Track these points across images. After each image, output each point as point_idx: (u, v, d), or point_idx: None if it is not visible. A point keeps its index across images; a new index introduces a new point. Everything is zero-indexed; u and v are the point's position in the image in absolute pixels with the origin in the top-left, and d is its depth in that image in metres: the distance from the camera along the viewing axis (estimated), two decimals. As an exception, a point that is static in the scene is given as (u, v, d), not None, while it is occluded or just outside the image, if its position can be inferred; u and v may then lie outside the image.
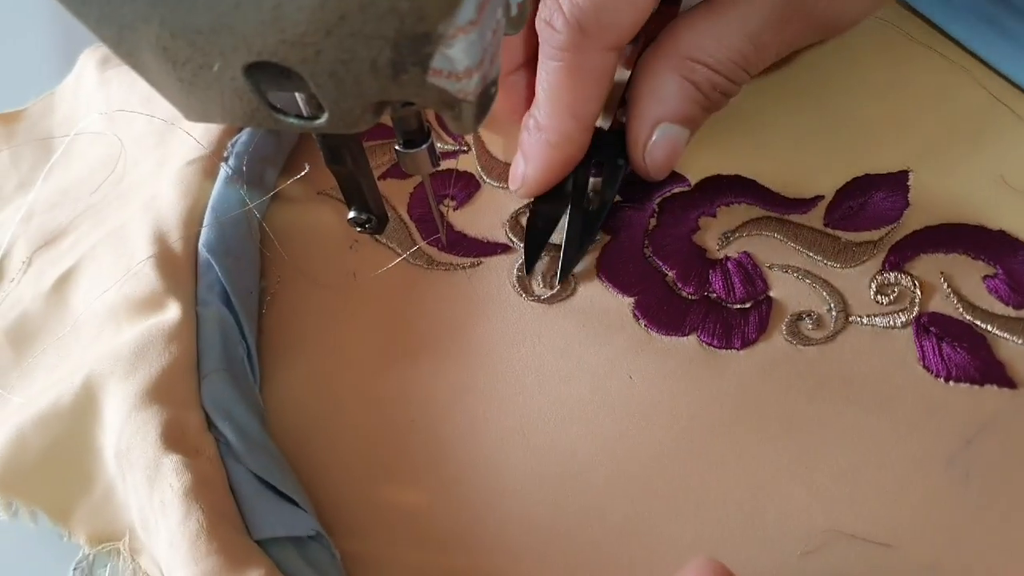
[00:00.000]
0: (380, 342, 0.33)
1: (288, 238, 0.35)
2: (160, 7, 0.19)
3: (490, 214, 0.35)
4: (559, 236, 0.33)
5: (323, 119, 0.22)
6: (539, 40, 0.30)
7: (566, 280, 0.33)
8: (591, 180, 0.33)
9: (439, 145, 0.37)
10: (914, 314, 0.30)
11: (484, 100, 0.22)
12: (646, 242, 0.33)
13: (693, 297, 0.32)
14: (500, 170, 0.36)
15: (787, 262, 0.32)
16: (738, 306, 0.31)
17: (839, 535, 0.27)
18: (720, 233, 0.33)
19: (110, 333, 0.32)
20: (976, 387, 0.29)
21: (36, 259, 0.36)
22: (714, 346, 0.31)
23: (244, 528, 0.27)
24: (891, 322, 0.30)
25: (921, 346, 0.30)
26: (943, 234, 0.32)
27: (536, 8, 0.30)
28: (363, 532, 0.29)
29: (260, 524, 0.27)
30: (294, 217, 0.36)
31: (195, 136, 0.35)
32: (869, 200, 0.33)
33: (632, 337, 0.31)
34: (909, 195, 0.33)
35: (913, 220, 0.32)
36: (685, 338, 0.31)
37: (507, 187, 0.35)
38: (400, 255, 0.34)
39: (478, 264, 0.34)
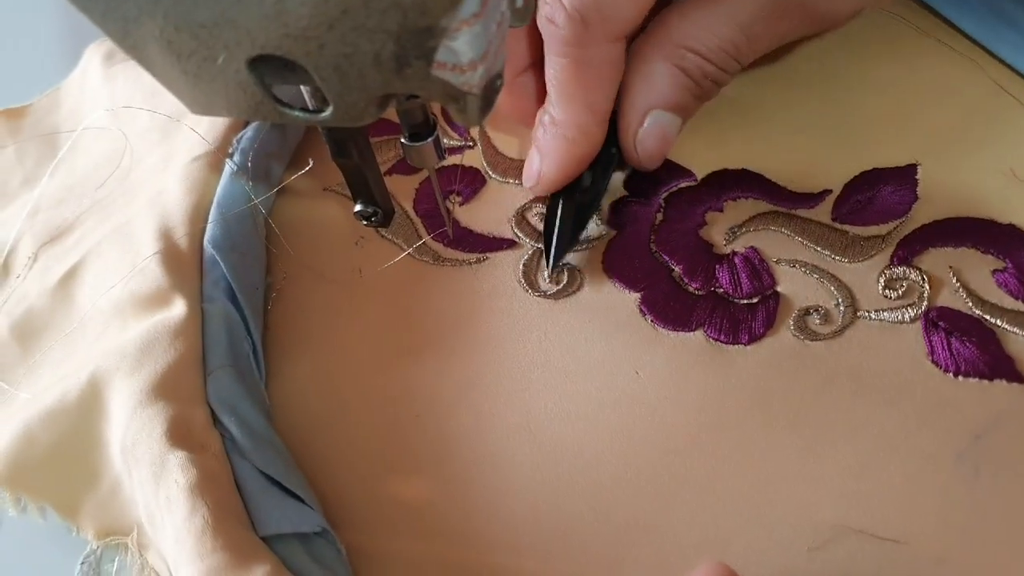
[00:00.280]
0: (386, 338, 0.33)
1: (294, 234, 0.35)
2: (164, 1, 0.19)
3: (496, 209, 0.35)
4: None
5: (328, 112, 0.22)
6: (544, 38, 0.30)
7: (557, 271, 0.32)
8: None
9: (444, 141, 0.37)
10: (923, 309, 0.30)
11: (489, 92, 0.22)
12: (652, 237, 0.33)
13: (700, 292, 0.32)
14: (506, 165, 0.36)
15: (794, 257, 0.32)
16: (745, 301, 0.31)
17: (847, 531, 0.27)
18: (727, 228, 0.33)
19: (116, 329, 0.32)
20: (985, 382, 0.28)
21: (42, 255, 0.36)
22: (721, 341, 0.30)
23: (250, 524, 0.27)
24: (899, 317, 0.30)
25: (930, 341, 0.29)
26: (952, 228, 0.32)
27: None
28: (369, 527, 0.29)
29: (266, 520, 0.27)
30: (300, 213, 0.36)
31: (200, 132, 0.35)
32: (877, 194, 0.33)
33: (638, 333, 0.31)
34: (917, 189, 0.33)
35: (921, 214, 0.32)
36: (692, 333, 0.31)
37: (513, 182, 0.35)
38: (406, 251, 0.34)
39: (484, 260, 0.34)
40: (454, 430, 0.30)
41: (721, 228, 0.33)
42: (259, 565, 0.25)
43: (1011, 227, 0.31)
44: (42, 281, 0.35)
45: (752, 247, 0.32)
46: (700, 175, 0.34)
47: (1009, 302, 0.30)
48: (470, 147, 0.37)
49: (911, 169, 0.33)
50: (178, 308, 0.31)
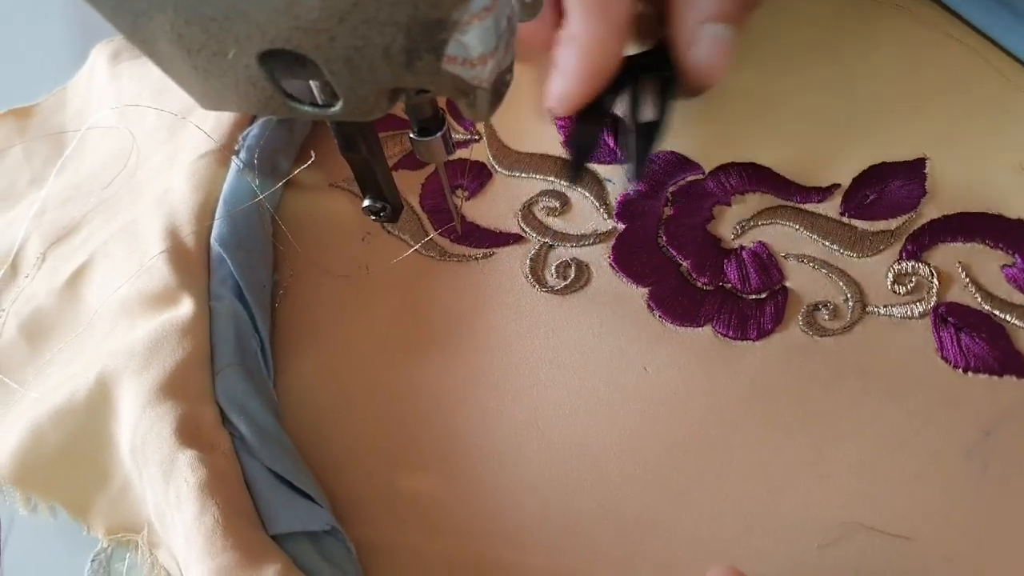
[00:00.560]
0: (393, 334, 0.32)
1: (300, 230, 0.35)
2: (174, -5, 0.19)
3: (502, 204, 0.35)
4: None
5: (338, 106, 0.22)
6: None
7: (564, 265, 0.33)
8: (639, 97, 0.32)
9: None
10: (932, 304, 0.30)
11: (499, 87, 0.22)
12: (660, 231, 0.33)
13: (708, 287, 0.32)
14: (512, 159, 0.36)
15: (803, 252, 0.32)
16: (753, 296, 0.31)
17: (857, 527, 0.27)
18: (735, 222, 0.33)
19: (124, 328, 0.32)
20: (995, 378, 0.28)
21: (50, 254, 0.36)
22: (729, 337, 0.30)
23: (260, 523, 0.27)
24: (908, 312, 0.30)
25: (939, 336, 0.29)
26: (961, 223, 0.31)
27: None
28: (377, 523, 0.29)
29: (275, 519, 0.27)
30: (306, 210, 0.36)
31: (206, 130, 0.35)
32: (886, 189, 0.33)
33: (646, 328, 0.31)
34: (926, 183, 0.32)
35: (930, 209, 0.32)
36: (700, 329, 0.31)
37: (519, 176, 0.35)
38: (412, 246, 0.34)
39: (491, 255, 0.34)
40: (462, 426, 0.30)
41: (729, 222, 0.33)
42: (269, 564, 0.25)
43: (1020, 222, 0.31)
44: (50, 281, 0.35)
45: (760, 242, 0.32)
46: (708, 169, 0.34)
47: (1019, 297, 0.30)
48: (476, 141, 0.37)
49: (920, 163, 0.33)
50: (186, 307, 0.31)
